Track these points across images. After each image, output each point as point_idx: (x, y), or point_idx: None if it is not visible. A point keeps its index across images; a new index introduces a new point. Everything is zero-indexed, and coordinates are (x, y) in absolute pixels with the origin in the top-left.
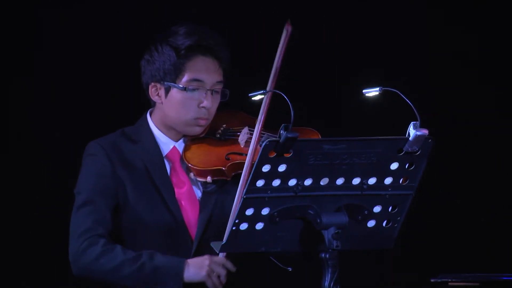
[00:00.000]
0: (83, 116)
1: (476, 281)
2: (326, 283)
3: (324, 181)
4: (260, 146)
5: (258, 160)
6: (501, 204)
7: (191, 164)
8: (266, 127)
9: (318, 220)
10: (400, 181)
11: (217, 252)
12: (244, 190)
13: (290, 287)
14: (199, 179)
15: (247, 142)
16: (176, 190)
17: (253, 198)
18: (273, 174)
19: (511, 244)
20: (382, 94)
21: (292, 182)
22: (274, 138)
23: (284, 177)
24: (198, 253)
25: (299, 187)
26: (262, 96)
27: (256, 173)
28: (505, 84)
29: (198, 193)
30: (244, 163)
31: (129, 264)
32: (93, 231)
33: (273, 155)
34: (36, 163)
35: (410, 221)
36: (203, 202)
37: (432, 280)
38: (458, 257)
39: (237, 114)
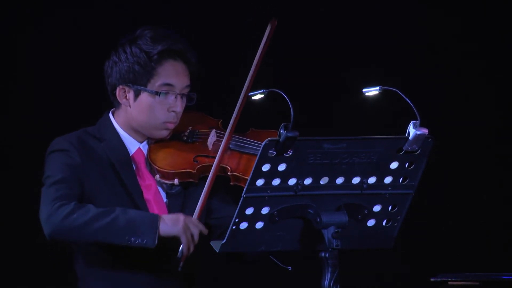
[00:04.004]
0: (82, 117)
1: (476, 281)
2: (326, 283)
3: (324, 180)
4: (229, 149)
5: (258, 159)
6: (500, 204)
7: (158, 166)
8: (267, 127)
9: (318, 219)
10: (400, 180)
11: (217, 252)
12: (244, 189)
13: (290, 287)
14: (165, 181)
15: (215, 145)
16: (143, 191)
17: (253, 197)
18: (273, 173)
19: (511, 244)
20: (382, 93)
21: (292, 181)
22: (273, 138)
23: (284, 176)
24: (167, 260)
25: (299, 186)
26: (262, 95)
27: (256, 172)
28: (505, 83)
29: (163, 195)
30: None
31: (102, 217)
32: (66, 200)
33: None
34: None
35: (410, 220)
36: (170, 204)
37: (432, 280)
38: (458, 257)
39: (201, 116)
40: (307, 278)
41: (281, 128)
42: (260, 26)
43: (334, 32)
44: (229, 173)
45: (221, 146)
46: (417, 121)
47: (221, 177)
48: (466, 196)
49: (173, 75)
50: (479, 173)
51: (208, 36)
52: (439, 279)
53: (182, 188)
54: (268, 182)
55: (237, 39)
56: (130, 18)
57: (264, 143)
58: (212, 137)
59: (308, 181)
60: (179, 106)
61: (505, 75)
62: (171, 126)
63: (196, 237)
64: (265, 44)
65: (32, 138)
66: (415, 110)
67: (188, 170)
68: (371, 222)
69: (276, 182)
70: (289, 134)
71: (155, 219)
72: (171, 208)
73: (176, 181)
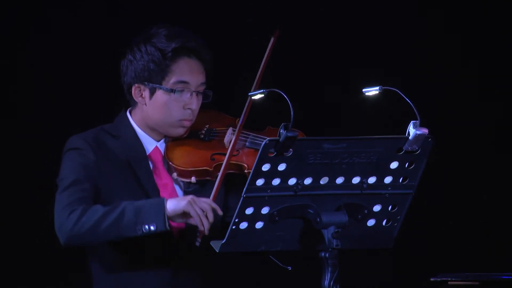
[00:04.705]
0: (83, 117)
1: (476, 280)
2: (326, 283)
3: (324, 180)
4: (246, 146)
5: (258, 159)
6: (501, 204)
7: (175, 164)
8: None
9: (318, 219)
10: (400, 180)
11: (217, 251)
12: (244, 189)
13: (290, 287)
14: (182, 179)
15: None
16: (160, 190)
17: (253, 197)
18: (273, 173)
19: (511, 244)
20: (382, 93)
21: (292, 181)
22: (273, 138)
23: (284, 176)
24: (183, 257)
25: (299, 186)
26: (262, 95)
27: (256, 172)
28: (505, 83)
29: (180, 193)
30: None
31: (109, 214)
32: (77, 205)
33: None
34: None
35: (410, 220)
36: None
37: (432, 280)
38: (458, 257)
39: (218, 115)
40: (307, 278)
41: (281, 128)
42: (260, 26)
43: (334, 32)
44: (245, 171)
45: (233, 139)
46: (417, 121)
47: (238, 175)
48: (466, 196)
49: (187, 72)
50: (479, 173)
51: (208, 36)
52: (439, 279)
53: (199, 186)
54: (268, 182)
55: (237, 40)
56: (130, 18)
57: (264, 143)
58: (228, 135)
59: (308, 181)
60: (194, 103)
61: (505, 75)
62: (187, 123)
63: (210, 214)
64: (267, 54)
65: (32, 138)
66: (415, 110)
67: (205, 168)
68: (371, 222)
69: (276, 182)
70: (289, 134)
71: (161, 202)
72: None
73: (193, 179)
